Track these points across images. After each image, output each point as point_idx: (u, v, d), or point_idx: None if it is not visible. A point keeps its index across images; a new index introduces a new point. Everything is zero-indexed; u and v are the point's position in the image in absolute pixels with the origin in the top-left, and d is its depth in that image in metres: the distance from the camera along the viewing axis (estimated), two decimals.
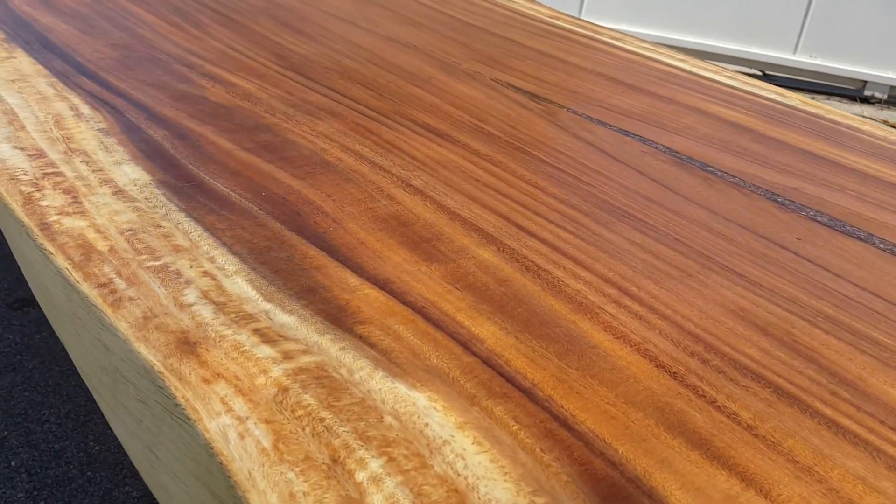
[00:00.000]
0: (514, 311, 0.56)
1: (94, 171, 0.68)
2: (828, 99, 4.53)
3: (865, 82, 4.52)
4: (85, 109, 0.82)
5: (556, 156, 0.88)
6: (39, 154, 0.70)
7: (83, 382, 1.88)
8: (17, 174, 0.66)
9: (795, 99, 1.25)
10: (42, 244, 0.56)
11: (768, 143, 1.02)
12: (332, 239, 0.63)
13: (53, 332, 1.97)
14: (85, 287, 0.51)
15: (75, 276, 0.52)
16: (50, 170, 0.67)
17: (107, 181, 0.67)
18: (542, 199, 0.76)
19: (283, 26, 1.29)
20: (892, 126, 4.07)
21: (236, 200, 0.67)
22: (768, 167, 0.93)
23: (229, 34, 1.19)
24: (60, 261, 0.54)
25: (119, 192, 0.65)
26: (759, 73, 4.67)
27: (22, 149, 0.70)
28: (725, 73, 1.36)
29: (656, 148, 0.94)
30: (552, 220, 0.71)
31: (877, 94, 4.54)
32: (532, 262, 0.63)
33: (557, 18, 1.63)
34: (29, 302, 2.03)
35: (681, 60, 1.41)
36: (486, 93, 1.08)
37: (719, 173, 0.89)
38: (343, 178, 0.74)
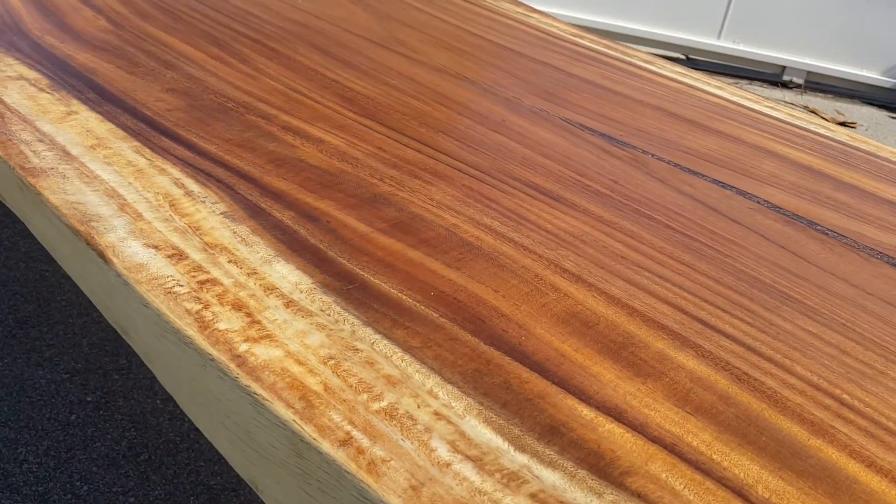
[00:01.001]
0: (758, 439, 0.53)
1: (248, 275, 0.61)
2: (749, 83, 4.69)
3: (784, 67, 4.70)
4: (192, 185, 0.74)
5: (675, 219, 0.86)
6: (179, 254, 0.63)
7: (57, 415, 1.77)
8: (170, 284, 0.59)
9: (842, 133, 1.27)
10: (249, 387, 0.50)
11: (849, 192, 1.02)
12: (530, 352, 0.59)
13: (17, 357, 1.84)
14: (327, 447, 0.46)
15: (308, 431, 0.47)
16: (202, 276, 0.60)
17: (269, 288, 0.60)
18: (697, 278, 0.73)
19: (326, 57, 1.21)
20: (812, 111, 4.25)
21: (411, 305, 0.62)
22: (866, 222, 0.93)
23: (280, 70, 1.11)
24: (282, 410, 0.48)
25: (291, 304, 0.59)
26: (683, 58, 4.78)
27: (156, 248, 0.63)
28: (766, 103, 1.36)
29: (759, 203, 0.93)
30: (723, 309, 0.69)
31: (795, 79, 4.72)
32: (737, 368, 0.61)
33: (577, 35, 1.60)
34: None
35: (717, 87, 1.41)
36: (565, 137, 1.04)
37: (829, 233, 0.89)
38: (496, 265, 0.70)
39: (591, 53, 1.48)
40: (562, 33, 1.59)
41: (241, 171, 0.79)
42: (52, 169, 0.72)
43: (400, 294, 0.63)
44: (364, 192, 0.79)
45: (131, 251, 0.62)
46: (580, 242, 0.77)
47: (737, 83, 4.62)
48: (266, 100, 0.99)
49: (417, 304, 0.62)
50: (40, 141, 0.77)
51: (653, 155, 1.04)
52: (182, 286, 0.59)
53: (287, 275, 0.63)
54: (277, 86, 1.05)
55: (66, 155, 0.75)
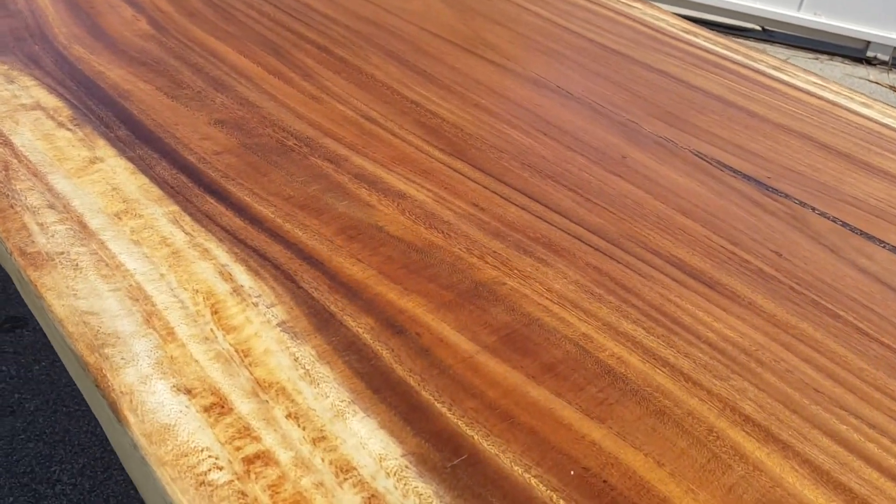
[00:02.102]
0: None
1: (315, 443, 0.43)
2: (830, 59, 4.32)
3: (868, 43, 4.30)
4: (242, 276, 0.56)
5: (865, 315, 0.65)
6: (220, 405, 0.45)
7: (96, 427, 1.63)
8: (204, 467, 0.41)
9: None
10: None
11: None
12: None
13: (55, 360, 1.70)
14: None
15: None
16: (250, 446, 0.42)
17: (344, 468, 0.42)
18: None
19: (403, 67, 1.01)
20: None
21: (541, 495, 0.43)
22: None
23: (350, 88, 0.92)
24: None
25: (374, 499, 0.41)
26: (759, 29, 4.41)
27: (187, 392, 0.45)
28: None
29: None
30: None
31: (880, 56, 4.32)
32: None
33: (690, 32, 1.36)
34: (21, 321, 1.75)
35: (864, 104, 1.17)
36: (702, 182, 0.83)
37: None
38: (652, 412, 0.50)
39: (710, 57, 1.25)
40: (672, 29, 1.36)
41: (305, 249, 0.61)
42: (62, 255, 0.54)
43: (527, 474, 0.44)
44: (462, 279, 0.60)
45: (155, 401, 0.44)
46: (756, 363, 0.57)
47: (816, 58, 4.26)
48: (334, 133, 0.80)
49: (555, 497, 0.43)
50: (51, 207, 0.60)
51: (813, 209, 0.82)
52: (221, 469, 0.41)
53: (367, 439, 0.44)
54: (347, 111, 0.86)
55: (82, 230, 0.58)
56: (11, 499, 1.43)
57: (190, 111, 0.79)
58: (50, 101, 0.76)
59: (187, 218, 0.62)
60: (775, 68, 1.26)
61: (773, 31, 4.39)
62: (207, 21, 1.04)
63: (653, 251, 0.69)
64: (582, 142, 0.88)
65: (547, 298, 0.60)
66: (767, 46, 4.47)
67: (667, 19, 1.40)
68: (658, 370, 0.55)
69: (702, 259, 0.69)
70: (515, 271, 0.63)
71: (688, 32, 1.35)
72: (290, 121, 0.81)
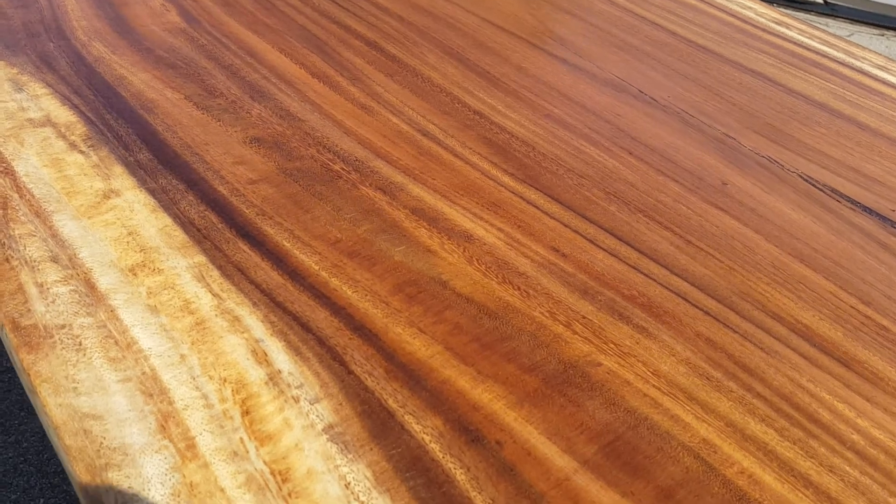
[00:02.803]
0: None
1: None
2: None
3: None
4: (279, 355, 0.45)
5: None
6: None
7: None
8: None
9: None
10: None
11: None
12: None
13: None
14: None
15: None
16: None
17: None
18: None
19: (463, 67, 0.89)
20: None
21: None
22: None
23: (404, 94, 0.80)
24: None
25: None
26: (821, 2, 4.14)
27: None
28: None
29: None
30: None
31: None
32: None
33: (781, 24, 1.21)
34: None
35: None
36: (818, 217, 0.70)
37: None
38: None
39: (807, 54, 1.10)
40: (760, 19, 1.21)
41: (356, 315, 0.50)
42: (63, 329, 0.44)
43: None
44: (547, 357, 0.49)
45: None
46: None
47: (882, 35, 4.00)
48: (388, 154, 0.69)
49: None
50: (54, 260, 0.49)
51: None
52: None
53: None
54: (402, 125, 0.74)
55: (89, 291, 0.47)
56: (42, 500, 1.37)
57: (222, 126, 0.68)
58: (63, 114, 0.66)
59: (215, 272, 0.51)
60: (880, 67, 1.10)
61: (835, 5, 4.13)
62: (245, 12, 0.93)
63: (773, 315, 0.57)
64: (673, 163, 0.76)
65: (654, 386, 0.48)
66: (829, 21, 4.22)
67: (754, 7, 1.25)
68: (799, 492, 0.43)
69: (831, 326, 0.57)
70: (611, 345, 0.51)
71: (779, 24, 1.20)
72: (337, 138, 0.70)
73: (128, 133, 0.65)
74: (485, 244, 0.59)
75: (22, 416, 1.38)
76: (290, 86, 0.78)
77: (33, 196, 0.55)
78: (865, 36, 4.02)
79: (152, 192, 0.58)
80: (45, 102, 0.67)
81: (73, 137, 0.63)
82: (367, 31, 0.94)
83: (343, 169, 0.66)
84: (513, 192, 0.67)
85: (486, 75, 0.88)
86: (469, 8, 1.08)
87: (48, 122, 0.64)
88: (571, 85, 0.90)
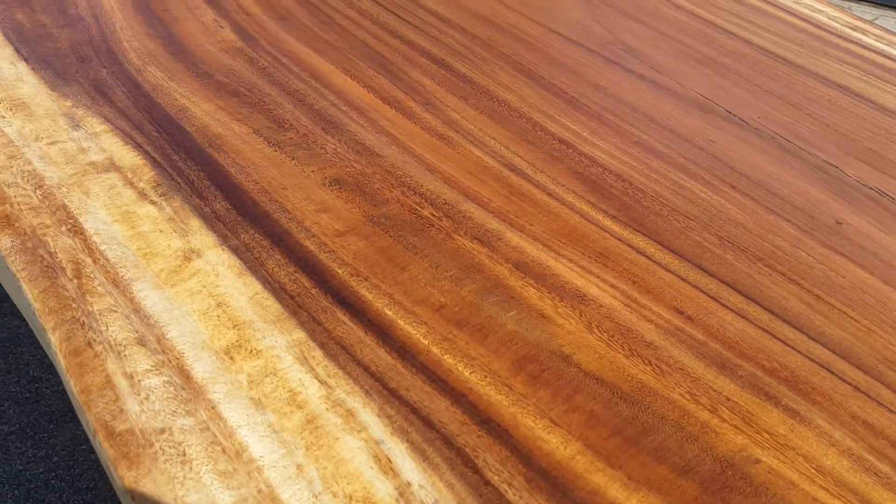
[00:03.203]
0: None
1: None
2: None
3: None
4: (405, 463, 0.40)
5: None
6: None
7: None
8: None
9: None
10: None
11: None
12: None
13: None
14: None
15: None
16: None
17: None
18: None
19: (539, 87, 0.82)
20: None
21: None
22: None
23: (482, 121, 0.74)
24: None
25: None
26: None
27: None
28: None
29: None
30: None
31: None
32: None
33: (855, 28, 1.14)
34: None
35: None
36: None
37: None
38: None
39: (890, 64, 1.03)
40: (834, 24, 1.14)
41: (480, 404, 0.44)
42: (164, 435, 0.39)
43: None
44: (699, 455, 0.43)
45: None
46: None
47: None
48: (477, 195, 0.63)
49: None
50: (141, 343, 0.44)
51: None
52: None
53: None
54: (486, 159, 0.68)
55: (185, 382, 0.42)
56: None
57: (298, 166, 0.63)
58: (126, 155, 0.60)
59: (318, 352, 0.45)
60: None
61: None
62: (302, 27, 0.86)
63: None
64: (781, 198, 0.69)
65: (821, 487, 0.43)
66: (853, 5, 4.11)
67: (826, 11, 1.18)
68: None
69: None
70: (765, 435, 0.45)
71: (854, 29, 1.13)
72: (420, 176, 0.64)
73: (199, 177, 0.59)
74: (601, 306, 0.53)
75: (51, 429, 1.33)
76: (362, 114, 0.72)
77: (108, 260, 0.49)
78: (891, 20, 3.92)
79: (236, 251, 0.52)
80: (106, 141, 0.61)
81: (141, 184, 0.57)
82: (431, 47, 0.88)
83: (433, 214, 0.60)
84: (619, 239, 0.61)
85: (563, 96, 0.82)
86: (532, 16, 1.01)
87: (112, 165, 0.58)
88: (655, 105, 0.83)
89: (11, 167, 0.56)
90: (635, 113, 0.81)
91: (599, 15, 1.06)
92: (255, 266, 0.51)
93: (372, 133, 0.69)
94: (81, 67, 0.70)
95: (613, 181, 0.68)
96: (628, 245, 0.60)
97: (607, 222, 0.63)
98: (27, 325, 1.54)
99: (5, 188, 0.54)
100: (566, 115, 0.78)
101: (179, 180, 0.58)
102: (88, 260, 0.49)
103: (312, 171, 0.62)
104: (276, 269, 0.51)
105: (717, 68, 0.95)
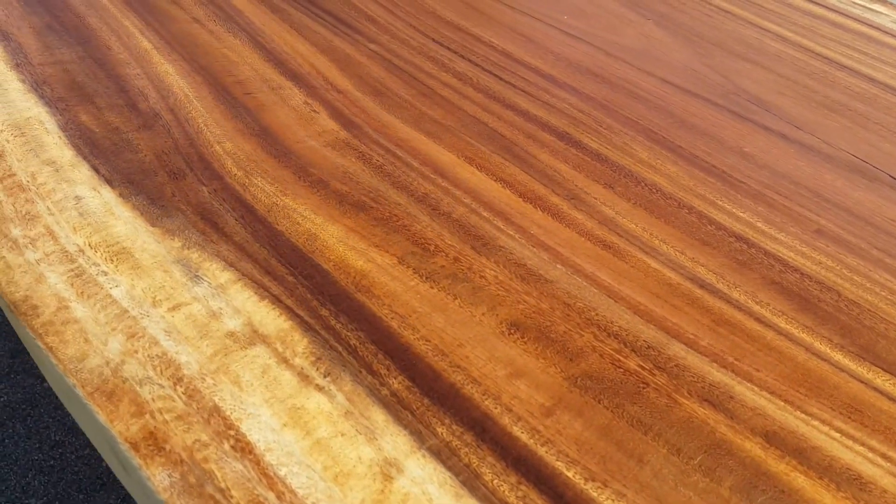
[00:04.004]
0: None
1: None
2: None
3: None
4: None
5: None
6: None
7: None
8: None
9: None
10: None
11: None
12: None
13: None
14: None
15: None
16: None
17: None
18: None
19: (677, 157, 0.72)
20: None
21: None
22: None
23: (636, 212, 0.63)
24: None
25: None
26: None
27: None
28: None
29: None
30: None
31: None
32: None
33: None
34: None
35: None
36: None
37: None
38: None
39: None
40: None
41: None
42: None
43: None
44: None
45: None
46: None
47: None
48: (677, 330, 0.52)
49: None
50: None
51: None
52: None
53: None
54: (664, 272, 0.58)
55: None
56: None
57: (463, 307, 0.52)
58: (267, 315, 0.48)
59: None
60: None
61: None
62: (402, 103, 0.75)
63: None
64: None
65: None
66: None
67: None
68: None
69: None
70: None
71: None
72: (604, 307, 0.53)
73: (359, 339, 0.48)
74: (885, 492, 0.43)
75: (81, 499, 1.22)
76: (507, 220, 0.61)
77: (295, 494, 0.38)
78: None
79: (439, 457, 0.41)
80: (237, 296, 0.49)
81: (297, 360, 0.46)
82: (548, 116, 0.77)
83: (641, 367, 0.49)
84: (860, 381, 0.50)
85: (712, 171, 0.72)
86: (636, 63, 0.91)
87: (255, 334, 0.47)
88: (813, 175, 0.73)
89: (136, 352, 0.44)
90: (798, 188, 0.71)
91: (705, 55, 0.95)
92: (469, 479, 0.41)
93: (528, 248, 0.58)
94: (177, 187, 0.58)
95: (819, 292, 0.58)
96: (874, 389, 0.50)
97: (837, 356, 0.52)
98: (43, 383, 1.42)
99: (137, 387, 0.42)
100: (727, 198, 0.68)
101: (339, 347, 0.47)
102: (271, 496, 0.38)
103: (483, 315, 0.51)
104: (495, 482, 0.41)
105: (854, 118, 0.85)
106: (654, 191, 0.68)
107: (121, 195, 0.57)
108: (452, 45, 0.88)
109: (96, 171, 0.59)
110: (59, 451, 1.27)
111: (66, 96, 0.67)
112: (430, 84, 0.79)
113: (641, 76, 0.87)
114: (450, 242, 0.58)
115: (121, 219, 0.54)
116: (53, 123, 0.63)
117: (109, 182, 0.58)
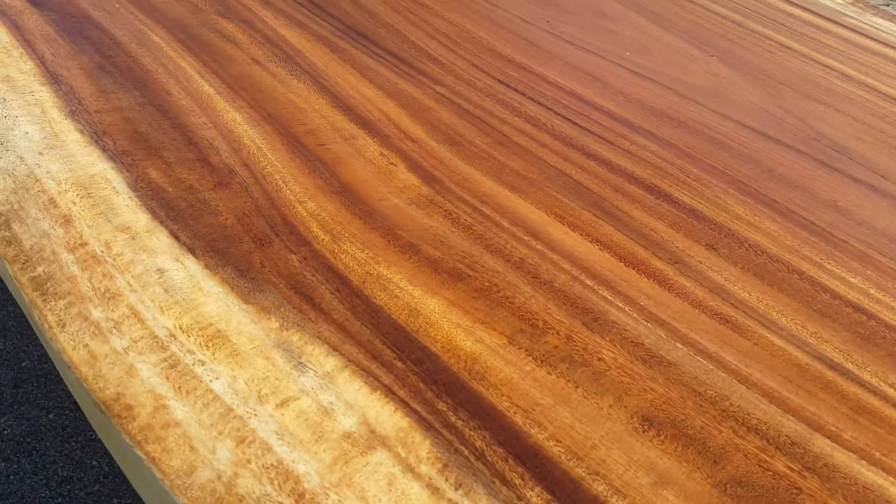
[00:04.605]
0: None
1: None
2: None
3: None
4: None
5: None
6: None
7: None
8: None
9: None
10: None
11: None
12: None
13: None
14: None
15: None
16: None
17: None
18: None
19: (773, 212, 0.68)
20: None
21: None
22: None
23: (745, 277, 0.59)
24: None
25: None
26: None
27: None
28: None
29: None
30: None
31: None
32: None
33: None
34: None
35: None
36: None
37: None
38: None
39: None
40: None
41: None
42: None
43: None
44: None
45: None
46: None
47: None
48: (818, 421, 0.48)
49: None
50: None
51: None
52: None
53: None
54: (790, 351, 0.53)
55: None
56: None
57: (588, 397, 0.47)
58: (382, 411, 0.44)
59: None
60: None
61: None
62: (480, 153, 0.71)
63: None
64: None
65: None
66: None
67: None
68: None
69: None
70: None
71: None
72: (736, 395, 0.49)
73: (484, 438, 0.43)
74: None
75: None
76: (612, 289, 0.57)
77: None
78: None
79: None
80: (346, 387, 0.45)
81: (424, 469, 0.41)
82: (630, 165, 0.73)
83: (789, 468, 0.45)
84: None
85: (813, 228, 0.68)
86: (710, 105, 0.87)
87: (374, 436, 0.42)
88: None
89: (249, 461, 0.40)
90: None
91: (777, 97, 0.91)
92: None
93: (642, 323, 0.54)
94: (265, 255, 0.54)
95: None
96: None
97: None
98: (48, 414, 1.36)
99: None
100: (834, 260, 0.64)
101: (465, 451, 0.43)
102: None
103: (611, 407, 0.47)
104: None
105: None
106: (759, 252, 0.64)
107: (207, 266, 0.52)
108: (519, 87, 0.84)
109: (176, 237, 0.54)
110: (68, 487, 1.21)
111: (130, 149, 0.62)
112: (505, 130, 0.75)
113: (718, 119, 0.83)
114: (558, 317, 0.53)
115: (210, 295, 0.50)
116: (121, 181, 0.58)
117: (192, 251, 0.53)
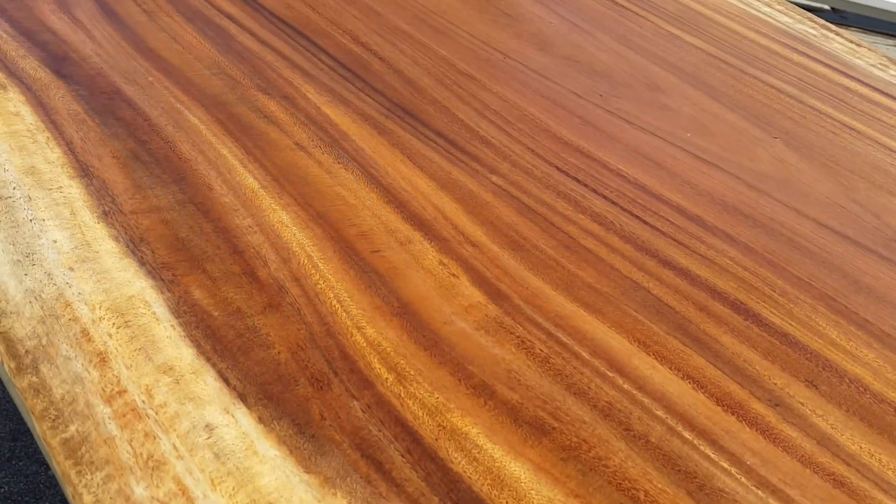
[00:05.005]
0: None
1: None
2: None
3: None
4: None
5: None
6: None
7: None
8: None
9: None
10: None
11: None
12: None
13: None
14: None
15: None
16: None
17: None
18: None
19: (872, 338, 0.62)
20: None
21: None
22: None
23: (857, 428, 0.53)
24: None
25: None
26: (827, 9, 3.82)
27: None
28: None
29: None
30: None
31: None
32: None
33: None
34: None
35: None
36: None
37: None
38: None
39: None
40: None
41: None
42: None
43: None
44: None
45: None
46: None
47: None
48: None
49: None
50: None
51: None
52: None
53: None
54: None
55: None
56: None
57: None
58: None
59: None
60: None
61: (844, 12, 3.79)
62: (545, 259, 0.64)
63: None
64: None
65: None
66: (842, 30, 3.95)
67: None
68: None
69: None
70: None
71: None
72: None
73: None
74: None
75: None
76: (714, 442, 0.50)
77: None
78: (882, 46, 3.76)
79: None
80: None
81: None
82: (711, 276, 0.67)
83: None
84: None
85: None
86: (780, 197, 0.81)
87: None
88: None
89: None
90: None
91: (849, 188, 0.85)
92: None
93: (752, 491, 0.48)
94: (324, 403, 0.47)
95: None
96: None
97: None
98: (47, 470, 1.29)
99: None
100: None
101: None
102: None
103: None
104: None
105: None
106: (861, 390, 0.57)
107: (261, 420, 0.45)
108: (580, 175, 0.78)
109: (225, 380, 0.47)
110: None
111: (170, 262, 0.56)
112: (570, 231, 0.69)
113: (793, 216, 0.78)
114: (660, 486, 0.47)
115: (267, 461, 0.43)
116: (162, 304, 0.52)
117: (243, 398, 0.47)
